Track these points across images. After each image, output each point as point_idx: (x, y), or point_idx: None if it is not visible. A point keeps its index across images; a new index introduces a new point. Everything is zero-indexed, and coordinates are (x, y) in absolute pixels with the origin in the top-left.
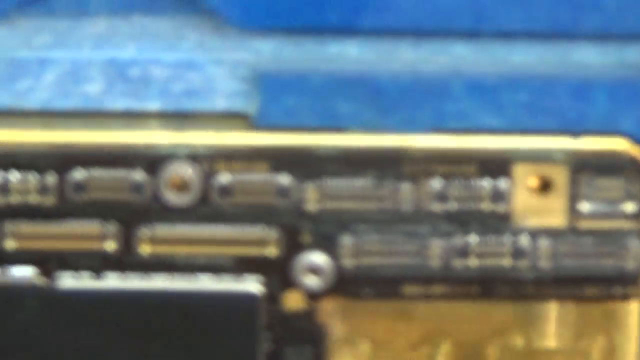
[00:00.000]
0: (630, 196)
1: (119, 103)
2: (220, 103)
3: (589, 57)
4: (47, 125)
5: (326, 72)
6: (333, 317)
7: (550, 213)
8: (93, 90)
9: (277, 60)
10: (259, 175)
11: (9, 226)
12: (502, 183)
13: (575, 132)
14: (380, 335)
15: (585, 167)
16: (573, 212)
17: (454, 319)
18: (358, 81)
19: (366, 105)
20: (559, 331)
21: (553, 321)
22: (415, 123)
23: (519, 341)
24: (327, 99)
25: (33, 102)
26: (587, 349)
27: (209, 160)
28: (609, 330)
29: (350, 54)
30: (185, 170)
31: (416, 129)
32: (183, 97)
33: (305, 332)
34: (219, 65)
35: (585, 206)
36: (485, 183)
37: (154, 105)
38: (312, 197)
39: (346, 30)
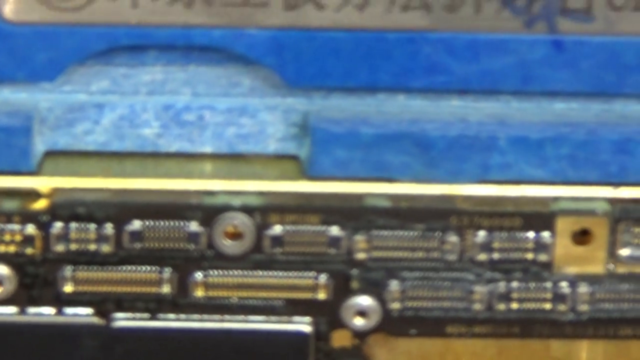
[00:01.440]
0: None
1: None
2: (272, 147)
3: (630, 112)
4: (104, 168)
5: (377, 125)
6: (377, 354)
7: (590, 261)
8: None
9: (329, 112)
10: (310, 227)
11: (68, 272)
12: (545, 235)
13: (615, 184)
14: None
15: (624, 216)
16: (611, 260)
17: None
18: (407, 134)
19: (415, 157)
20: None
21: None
22: (462, 175)
23: None
24: (377, 152)
25: (91, 144)
26: None
27: (262, 212)
28: None
29: (400, 109)
30: (240, 222)
31: (463, 180)
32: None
33: None
34: (271, 113)
35: (622, 254)
36: (529, 235)
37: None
38: (361, 247)
39: (397, 90)
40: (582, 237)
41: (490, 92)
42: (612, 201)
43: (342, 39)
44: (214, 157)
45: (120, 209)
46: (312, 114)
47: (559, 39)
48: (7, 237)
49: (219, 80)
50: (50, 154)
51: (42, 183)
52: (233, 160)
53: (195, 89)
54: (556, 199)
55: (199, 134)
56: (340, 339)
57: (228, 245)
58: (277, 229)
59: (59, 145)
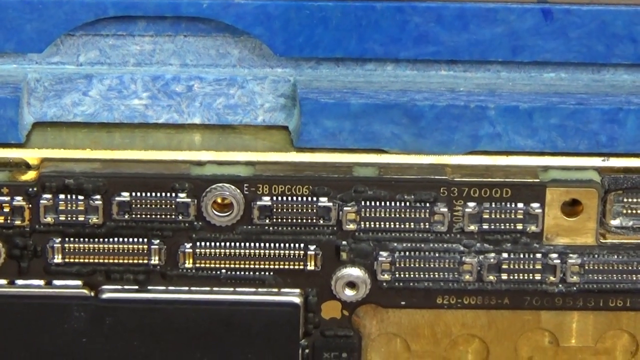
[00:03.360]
0: None
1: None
2: (260, 118)
3: (619, 83)
4: (93, 140)
5: (365, 95)
6: (367, 325)
7: (580, 232)
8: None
9: (317, 82)
10: (299, 198)
11: (57, 243)
12: (535, 206)
13: (605, 154)
14: (412, 339)
15: (613, 187)
16: (601, 230)
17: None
18: (396, 105)
19: (404, 128)
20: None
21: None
22: (451, 145)
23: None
24: (366, 122)
25: (79, 115)
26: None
27: (250, 183)
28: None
29: (389, 79)
30: (228, 193)
31: (452, 151)
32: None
33: (341, 337)
34: (260, 84)
35: (613, 224)
36: (519, 206)
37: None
38: (350, 218)
39: (386, 59)
40: (572, 207)
41: (479, 62)
42: (602, 171)
43: (330, 9)
44: (203, 127)
45: (108, 180)
46: (300, 84)
47: (548, 8)
48: None
49: (207, 51)
50: (39, 124)
51: (31, 155)
52: (222, 131)
53: (183, 60)
54: (546, 169)
55: (188, 105)
56: (329, 311)
57: (217, 217)
58: (266, 200)
59: (48, 117)
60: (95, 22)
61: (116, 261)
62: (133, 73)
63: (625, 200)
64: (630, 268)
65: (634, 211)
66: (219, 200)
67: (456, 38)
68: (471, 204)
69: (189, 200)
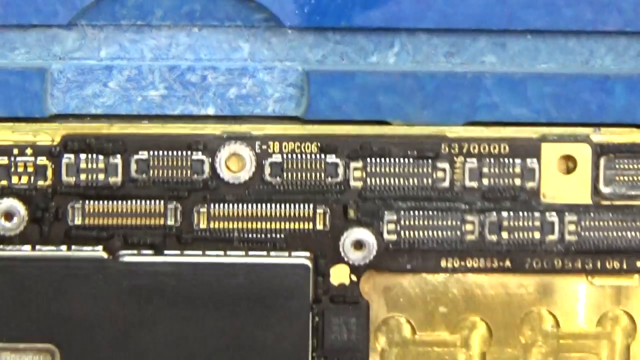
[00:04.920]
0: None
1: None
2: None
3: (609, 54)
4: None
5: (370, 68)
6: (375, 290)
7: (575, 191)
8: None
9: (325, 59)
10: (309, 155)
11: (78, 204)
12: (531, 161)
13: (596, 124)
14: (417, 311)
15: (605, 152)
16: (596, 190)
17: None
18: (399, 76)
19: (406, 99)
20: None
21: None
22: (451, 115)
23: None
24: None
25: (99, 107)
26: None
27: (262, 141)
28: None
29: (393, 50)
30: (241, 151)
31: (452, 120)
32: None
33: (350, 303)
34: (269, 69)
35: (605, 188)
36: (517, 161)
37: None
38: (357, 176)
39: (388, 29)
40: (568, 168)
41: (476, 32)
42: (593, 139)
43: None
44: (217, 118)
45: (128, 139)
46: (308, 62)
47: None
48: (21, 168)
49: (220, 45)
50: (60, 116)
51: (54, 128)
52: (234, 121)
53: (197, 54)
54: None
55: (202, 96)
56: (338, 276)
57: (230, 175)
58: (277, 158)
59: (70, 109)
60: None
61: (134, 223)
62: (151, 65)
63: (617, 166)
64: (625, 225)
65: (627, 178)
66: (232, 160)
67: (454, 8)
68: (471, 160)
69: (204, 157)
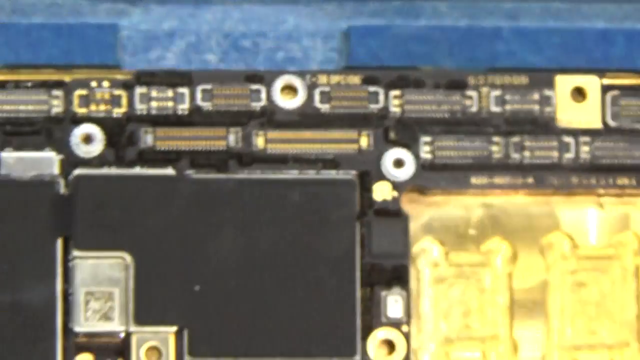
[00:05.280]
0: None
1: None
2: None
3: (610, 10)
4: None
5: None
6: (414, 205)
7: (587, 117)
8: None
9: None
10: (353, 85)
11: (149, 129)
12: (547, 92)
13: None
14: (449, 234)
15: (610, 90)
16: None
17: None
18: (429, 28)
19: (434, 48)
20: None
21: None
22: (473, 62)
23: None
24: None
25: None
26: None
27: (312, 74)
28: None
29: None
30: (294, 82)
31: (475, 66)
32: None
33: (392, 217)
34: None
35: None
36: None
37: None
38: (396, 104)
39: None
40: (579, 95)
41: None
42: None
43: None
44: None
45: (194, 74)
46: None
47: None
48: (99, 96)
49: (268, 18)
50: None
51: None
52: None
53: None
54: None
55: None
56: (380, 192)
57: (285, 102)
58: (325, 87)
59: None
60: None
61: (199, 146)
62: (208, 33)
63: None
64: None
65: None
66: (286, 91)
67: None
68: (495, 90)
69: (261, 86)
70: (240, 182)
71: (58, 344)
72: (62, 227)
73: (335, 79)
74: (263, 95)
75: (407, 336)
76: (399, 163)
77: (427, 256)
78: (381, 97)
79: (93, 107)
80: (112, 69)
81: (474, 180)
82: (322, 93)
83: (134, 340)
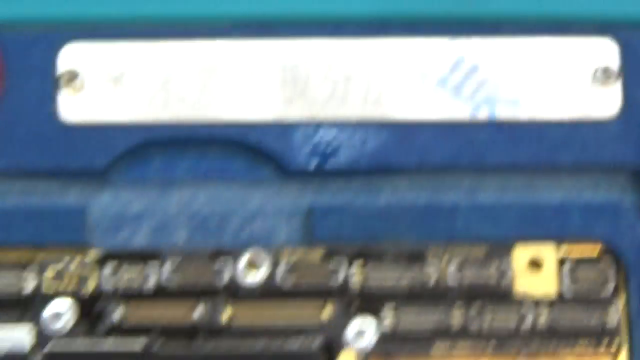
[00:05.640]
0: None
1: None
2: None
3: (567, 184)
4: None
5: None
6: None
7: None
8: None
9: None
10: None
11: (119, 306)
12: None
13: (559, 238)
14: None
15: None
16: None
17: None
18: (392, 205)
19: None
20: None
21: None
22: (432, 235)
23: None
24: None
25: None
26: None
27: (275, 250)
28: None
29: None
30: (258, 258)
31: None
32: None
33: None
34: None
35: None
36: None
37: None
38: (358, 276)
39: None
40: (535, 265)
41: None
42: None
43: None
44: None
45: (161, 253)
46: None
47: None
48: (69, 274)
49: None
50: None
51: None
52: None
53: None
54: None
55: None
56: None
57: (249, 276)
58: (288, 263)
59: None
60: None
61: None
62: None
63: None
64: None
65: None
66: (251, 265)
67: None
68: (454, 261)
69: (226, 262)
70: (206, 358)
71: None
72: None
73: (298, 254)
74: (228, 270)
75: None
76: (360, 333)
77: None
78: (342, 271)
79: (63, 285)
80: (82, 248)
81: (436, 350)
82: (285, 267)
83: None
